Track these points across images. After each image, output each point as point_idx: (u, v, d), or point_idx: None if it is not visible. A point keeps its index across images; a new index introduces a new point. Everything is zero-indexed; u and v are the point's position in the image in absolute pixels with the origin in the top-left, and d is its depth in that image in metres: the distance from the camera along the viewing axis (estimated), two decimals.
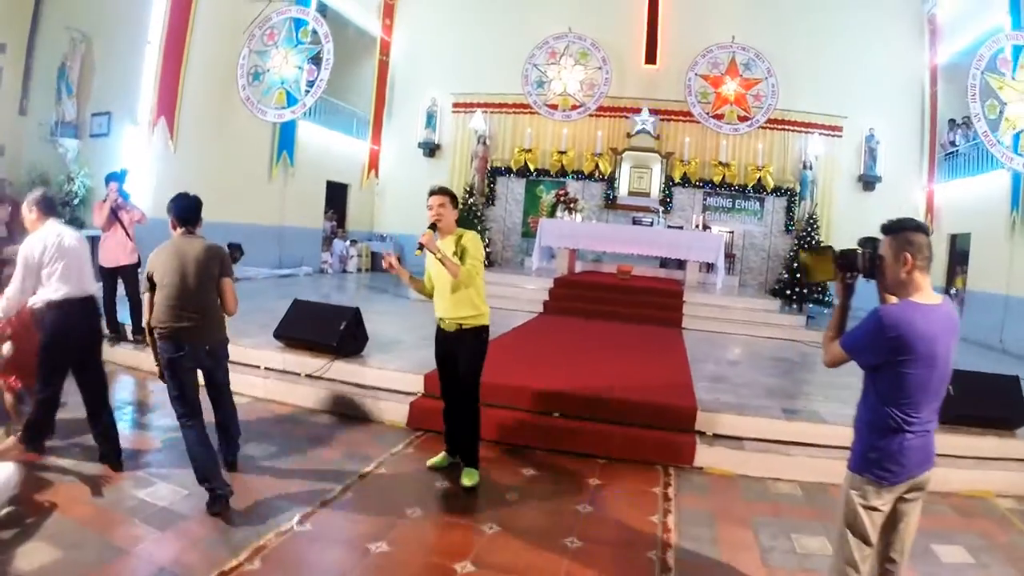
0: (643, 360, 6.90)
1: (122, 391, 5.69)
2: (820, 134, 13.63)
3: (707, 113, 13.22)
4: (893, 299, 2.28)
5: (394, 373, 5.56)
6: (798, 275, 9.76)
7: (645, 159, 14.18)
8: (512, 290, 10.34)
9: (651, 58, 14.21)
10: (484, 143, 14.70)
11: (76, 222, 9.67)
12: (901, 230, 2.24)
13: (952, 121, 12.62)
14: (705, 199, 14.11)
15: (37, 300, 3.84)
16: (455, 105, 15.11)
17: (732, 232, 13.80)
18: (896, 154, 13.55)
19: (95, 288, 4.09)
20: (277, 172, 12.70)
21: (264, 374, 5.78)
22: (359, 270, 14.71)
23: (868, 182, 13.64)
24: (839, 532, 2.35)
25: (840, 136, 13.65)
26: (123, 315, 6.59)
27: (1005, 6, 9.86)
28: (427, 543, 3.36)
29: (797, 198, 13.65)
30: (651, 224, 12.61)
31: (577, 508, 3.82)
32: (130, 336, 6.55)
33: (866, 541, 2.28)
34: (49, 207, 4.01)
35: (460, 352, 4.04)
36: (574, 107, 13.68)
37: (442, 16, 15.22)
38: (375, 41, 15.00)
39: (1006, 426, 4.91)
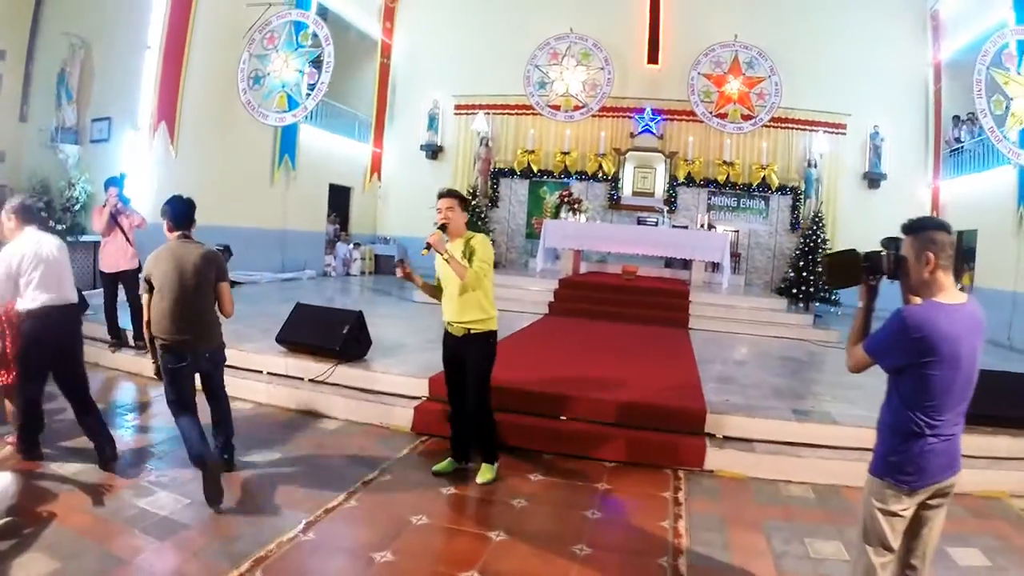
0: (650, 361, 6.83)
1: (124, 397, 5.65)
2: (824, 132, 13.55)
3: (710, 112, 13.16)
4: (917, 300, 2.21)
5: (398, 377, 5.50)
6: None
7: (649, 159, 14.13)
8: (517, 292, 10.27)
9: (653, 58, 14.15)
10: (487, 145, 14.65)
11: (77, 228, 9.67)
12: (923, 229, 2.17)
13: (956, 117, 12.55)
14: (709, 198, 14.03)
15: (20, 307, 3.85)
16: (457, 107, 15.08)
17: (737, 231, 13.72)
18: (901, 151, 13.48)
19: (75, 296, 4.07)
20: (279, 176, 12.66)
21: (267, 379, 5.72)
22: (363, 273, 14.67)
23: (873, 180, 13.56)
24: (859, 537, 2.29)
25: (844, 134, 13.58)
26: (124, 320, 6.55)
27: (1009, 1, 9.78)
28: (433, 551, 3.29)
29: (802, 196, 13.58)
30: (656, 224, 12.55)
31: (585, 514, 3.75)
32: (131, 342, 6.50)
33: (887, 547, 2.22)
34: (28, 215, 3.96)
35: (468, 357, 4.00)
36: (577, 108, 13.64)
37: (443, 18, 15.19)
38: (376, 44, 14.98)
39: (1020, 425, 4.82)
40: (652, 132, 14.01)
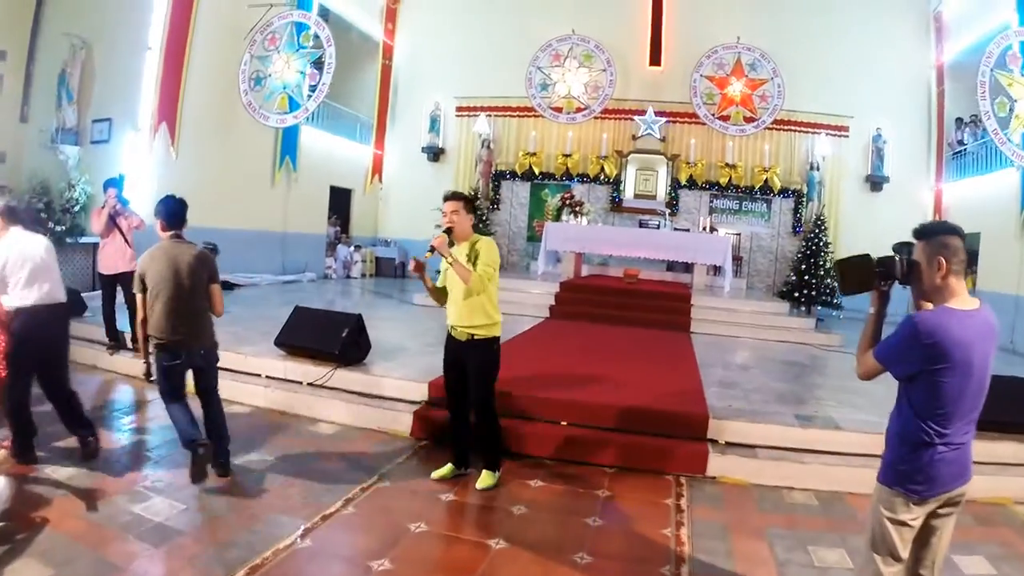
0: (652, 365, 6.78)
1: (121, 400, 5.62)
2: (827, 134, 13.51)
3: (713, 114, 13.11)
4: (928, 305, 2.17)
5: (398, 381, 5.44)
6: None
7: (651, 161, 14.09)
8: (518, 295, 10.22)
9: (655, 60, 14.14)
10: (488, 147, 14.62)
11: (76, 229, 9.63)
12: (935, 234, 2.13)
13: (959, 120, 12.52)
14: (712, 201, 14.00)
15: (8, 306, 3.88)
16: (459, 109, 15.05)
17: (739, 234, 13.67)
18: (903, 154, 13.43)
19: (64, 296, 4.11)
20: (280, 177, 12.63)
21: (265, 383, 5.66)
22: (363, 275, 14.63)
23: (875, 182, 13.52)
24: (866, 546, 2.25)
25: (847, 136, 13.55)
26: (122, 323, 6.51)
27: (1012, 3, 9.76)
28: (432, 559, 3.24)
29: (804, 199, 13.54)
30: (657, 227, 12.53)
31: (587, 521, 3.69)
32: (129, 344, 6.45)
33: (895, 556, 2.18)
34: (13, 215, 4.00)
35: (470, 362, 3.96)
36: (578, 110, 13.60)
37: (444, 20, 15.16)
38: (378, 45, 14.95)
39: None
40: (654, 134, 13.95)
